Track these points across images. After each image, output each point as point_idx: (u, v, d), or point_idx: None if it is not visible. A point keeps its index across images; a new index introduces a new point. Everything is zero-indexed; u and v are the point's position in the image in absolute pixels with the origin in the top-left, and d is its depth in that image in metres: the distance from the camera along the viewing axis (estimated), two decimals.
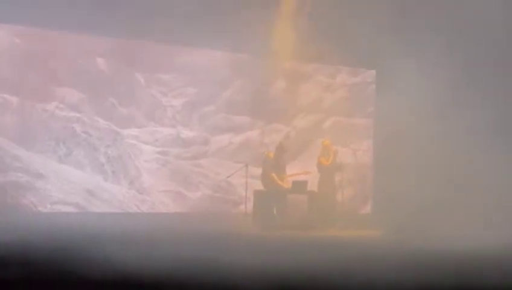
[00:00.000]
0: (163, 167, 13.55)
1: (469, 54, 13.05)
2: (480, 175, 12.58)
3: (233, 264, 7.75)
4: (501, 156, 12.58)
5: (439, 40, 12.90)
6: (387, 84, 14.79)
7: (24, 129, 12.37)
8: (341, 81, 15.46)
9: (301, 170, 13.48)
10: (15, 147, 12.26)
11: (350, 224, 13.23)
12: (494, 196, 12.39)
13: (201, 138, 13.94)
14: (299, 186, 12.79)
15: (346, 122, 15.36)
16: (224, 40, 13.09)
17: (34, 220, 11.57)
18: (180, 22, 12.30)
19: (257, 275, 7.19)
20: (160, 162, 13.53)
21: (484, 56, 12.82)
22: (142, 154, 13.37)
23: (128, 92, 13.30)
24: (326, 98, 15.26)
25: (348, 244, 11.01)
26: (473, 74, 13.16)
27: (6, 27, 12.24)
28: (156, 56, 13.51)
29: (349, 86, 15.51)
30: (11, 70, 12.32)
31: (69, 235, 10.09)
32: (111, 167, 13.04)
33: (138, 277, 6.87)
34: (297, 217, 12.87)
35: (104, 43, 13.05)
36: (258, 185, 12.98)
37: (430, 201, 13.10)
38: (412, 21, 12.88)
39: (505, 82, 12.81)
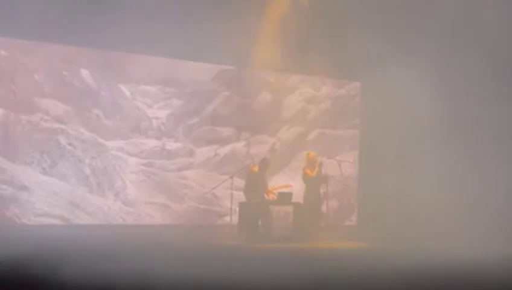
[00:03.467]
0: (149, 178, 13.52)
1: (455, 64, 13.11)
2: (468, 185, 12.62)
3: (218, 277, 7.74)
4: (489, 168, 12.65)
5: (424, 51, 12.97)
6: (372, 96, 14.87)
7: (8, 141, 12.31)
8: (326, 93, 15.52)
9: (285, 182, 13.55)
10: None
11: (335, 236, 13.24)
12: (484, 206, 12.42)
13: (186, 149, 13.93)
14: (284, 197, 12.79)
15: (331, 134, 15.42)
16: (209, 52, 13.13)
17: (17, 233, 11.48)
18: (164, 33, 12.29)
19: (242, 288, 7.18)
20: (145, 174, 13.50)
21: (471, 66, 12.86)
22: (127, 166, 13.34)
23: (113, 104, 13.28)
24: (311, 110, 15.31)
25: (333, 256, 11.02)
26: (459, 83, 13.22)
27: None
28: (141, 68, 13.50)
29: (334, 98, 15.57)
30: None
31: (53, 247, 10.03)
32: (96, 179, 12.99)
33: (123, 289, 6.85)
34: (282, 229, 12.87)
35: (89, 55, 13.03)
36: (243, 197, 12.96)
37: (417, 212, 13.14)
38: (396, 33, 12.94)
39: (496, 90, 12.83)
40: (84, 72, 13.02)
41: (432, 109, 13.00)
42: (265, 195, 12.95)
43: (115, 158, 13.21)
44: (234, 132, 14.46)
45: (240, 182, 13.26)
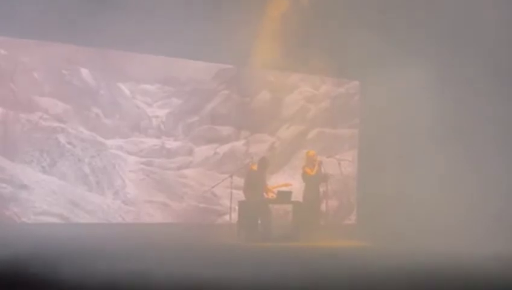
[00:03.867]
0: (148, 177, 13.52)
1: (455, 64, 13.10)
2: (468, 185, 12.61)
3: (217, 276, 7.74)
4: (489, 168, 12.64)
5: (424, 51, 12.97)
6: (371, 95, 14.86)
7: (8, 140, 12.31)
8: (325, 92, 15.51)
9: (285, 181, 13.58)
10: None
11: (335, 234, 13.24)
12: (484, 206, 12.41)
13: (186, 148, 13.93)
14: (284, 196, 12.80)
15: (330, 133, 15.41)
16: (208, 51, 13.13)
17: (17, 231, 11.48)
18: (164, 32, 12.29)
19: (241, 287, 7.18)
20: (145, 172, 13.50)
21: (471, 66, 12.84)
22: (127, 164, 13.34)
23: (112, 103, 13.28)
24: (310, 109, 15.31)
25: (332, 255, 11.02)
26: (459, 83, 13.20)
27: None
28: (140, 67, 13.49)
29: (333, 96, 15.57)
30: None
31: (53, 246, 10.03)
32: (95, 177, 12.99)
33: (123, 288, 6.85)
34: (281, 227, 12.87)
35: (88, 54, 13.03)
36: (243, 196, 12.96)
37: (417, 212, 13.14)
38: (396, 33, 12.93)
39: (496, 90, 12.81)
40: (84, 71, 13.02)
41: (431, 109, 12.99)
42: (264, 194, 12.96)
43: (115, 157, 13.21)
44: (234, 130, 14.46)
45: (240, 181, 13.27)
